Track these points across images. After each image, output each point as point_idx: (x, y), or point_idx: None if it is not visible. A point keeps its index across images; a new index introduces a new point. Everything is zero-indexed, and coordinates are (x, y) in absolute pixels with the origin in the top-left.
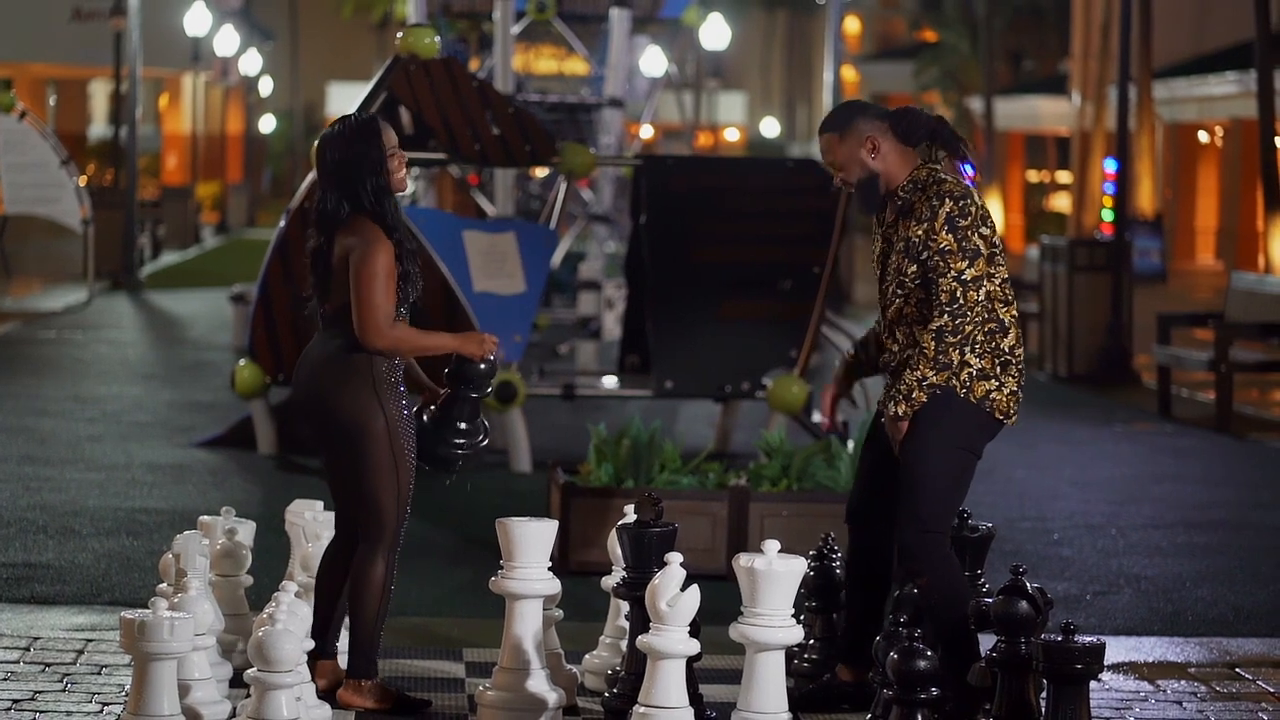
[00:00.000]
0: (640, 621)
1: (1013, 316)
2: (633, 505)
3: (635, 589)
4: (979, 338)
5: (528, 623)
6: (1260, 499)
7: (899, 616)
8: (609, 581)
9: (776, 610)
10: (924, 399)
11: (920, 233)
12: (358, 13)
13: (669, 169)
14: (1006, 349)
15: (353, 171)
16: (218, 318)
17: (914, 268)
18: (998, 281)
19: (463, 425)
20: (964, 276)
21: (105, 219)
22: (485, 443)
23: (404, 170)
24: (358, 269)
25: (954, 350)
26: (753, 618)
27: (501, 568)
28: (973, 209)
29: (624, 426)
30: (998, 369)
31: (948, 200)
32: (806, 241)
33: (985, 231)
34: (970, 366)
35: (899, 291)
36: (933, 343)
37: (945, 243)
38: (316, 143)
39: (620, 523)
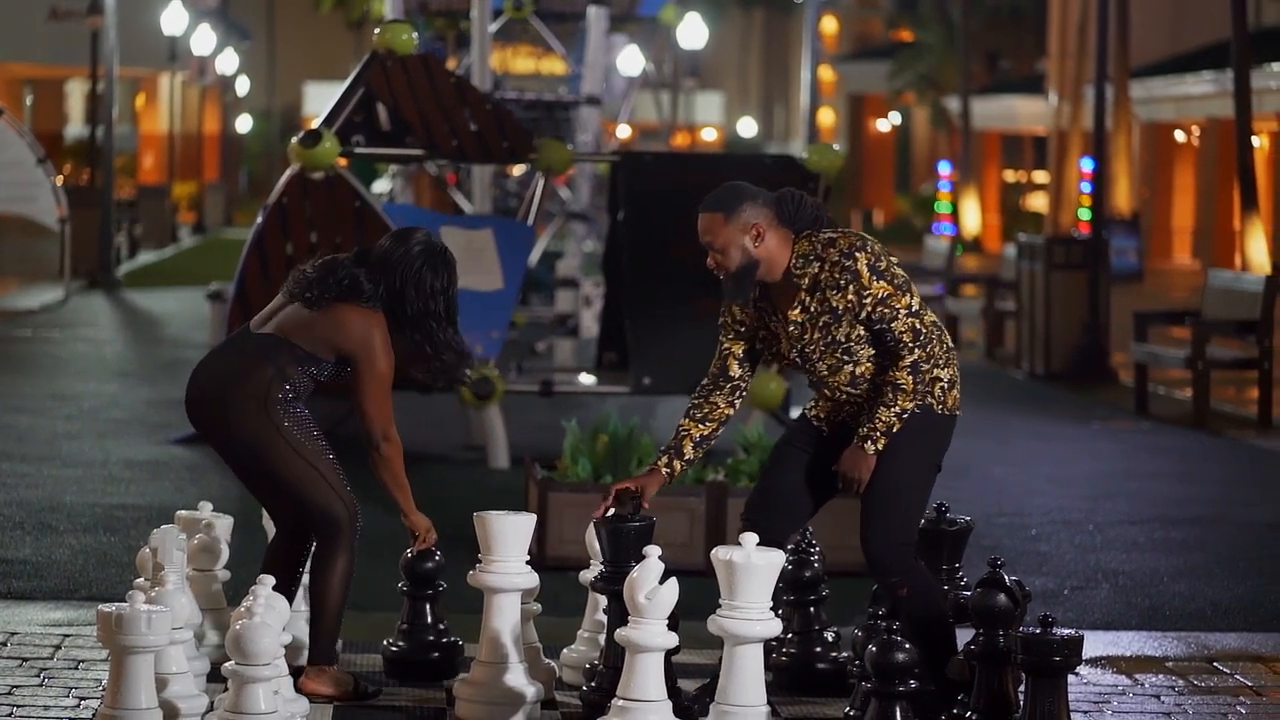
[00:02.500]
0: (618, 615)
1: (935, 316)
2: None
3: (613, 583)
4: (936, 349)
5: (506, 616)
6: (1236, 495)
7: (877, 609)
8: (587, 576)
9: (755, 603)
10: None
11: (851, 297)
12: (334, 10)
13: (647, 166)
14: (951, 345)
15: (418, 302)
16: (194, 316)
17: (859, 330)
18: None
19: (438, 635)
20: (914, 308)
21: (82, 218)
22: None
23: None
24: (377, 371)
25: (928, 376)
26: (731, 610)
27: (479, 561)
28: (878, 247)
29: (597, 421)
30: (955, 370)
31: (857, 254)
32: None
33: (895, 259)
34: (940, 380)
35: (845, 359)
36: (910, 378)
37: (881, 290)
38: (420, 253)
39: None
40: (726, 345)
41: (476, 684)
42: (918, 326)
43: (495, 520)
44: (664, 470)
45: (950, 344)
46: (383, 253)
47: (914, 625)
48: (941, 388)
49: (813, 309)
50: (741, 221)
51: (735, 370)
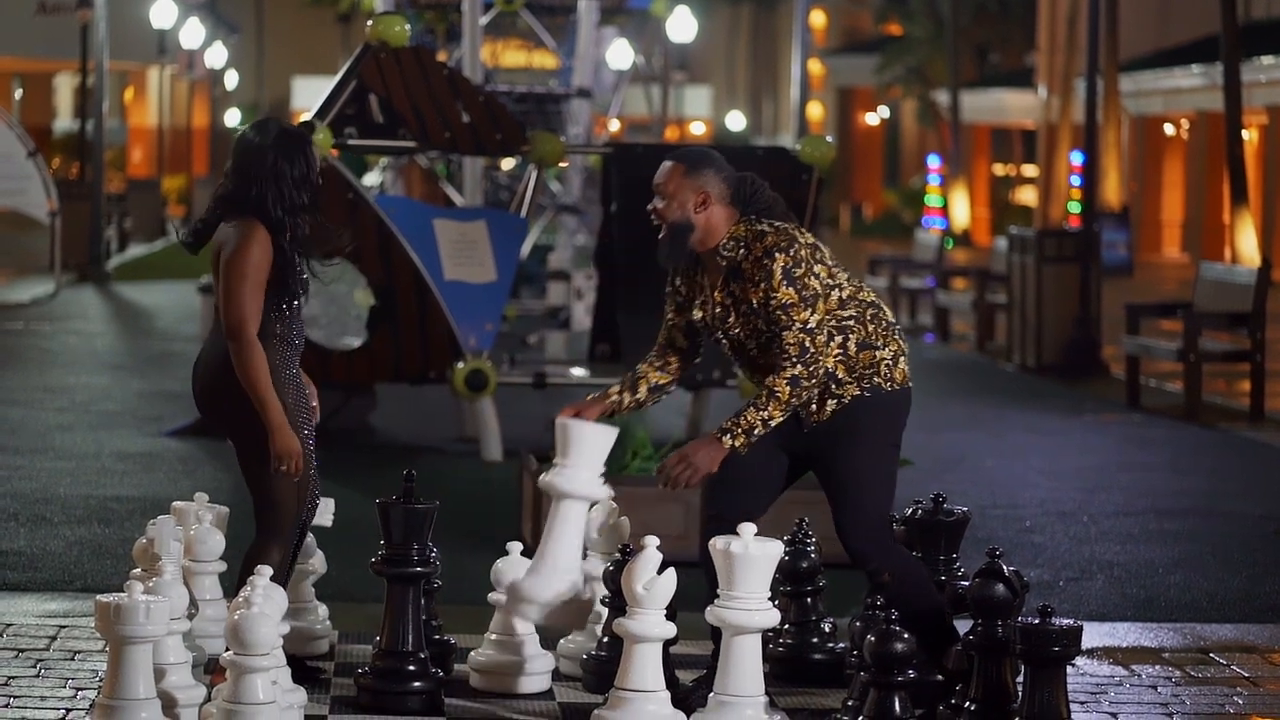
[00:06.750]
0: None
1: (874, 293)
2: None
3: (393, 564)
4: (871, 329)
5: (571, 523)
6: (1229, 487)
7: (874, 600)
8: (584, 566)
9: (753, 593)
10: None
11: (761, 295)
12: (325, 4)
13: (639, 157)
14: (892, 318)
15: (276, 181)
16: (185, 309)
17: (764, 324)
18: (844, 279)
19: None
20: (809, 326)
21: (71, 211)
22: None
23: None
24: (228, 263)
25: (805, 393)
26: (729, 601)
27: (553, 465)
28: (803, 253)
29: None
30: (899, 343)
31: (778, 255)
32: None
33: (818, 270)
34: (884, 359)
35: (754, 344)
36: (787, 389)
37: (786, 297)
38: (248, 136)
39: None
40: (671, 315)
41: (531, 587)
42: (806, 344)
43: (576, 427)
44: (613, 398)
45: (889, 319)
46: (238, 159)
47: (904, 609)
48: (886, 365)
49: (736, 294)
50: (695, 183)
51: (680, 340)
